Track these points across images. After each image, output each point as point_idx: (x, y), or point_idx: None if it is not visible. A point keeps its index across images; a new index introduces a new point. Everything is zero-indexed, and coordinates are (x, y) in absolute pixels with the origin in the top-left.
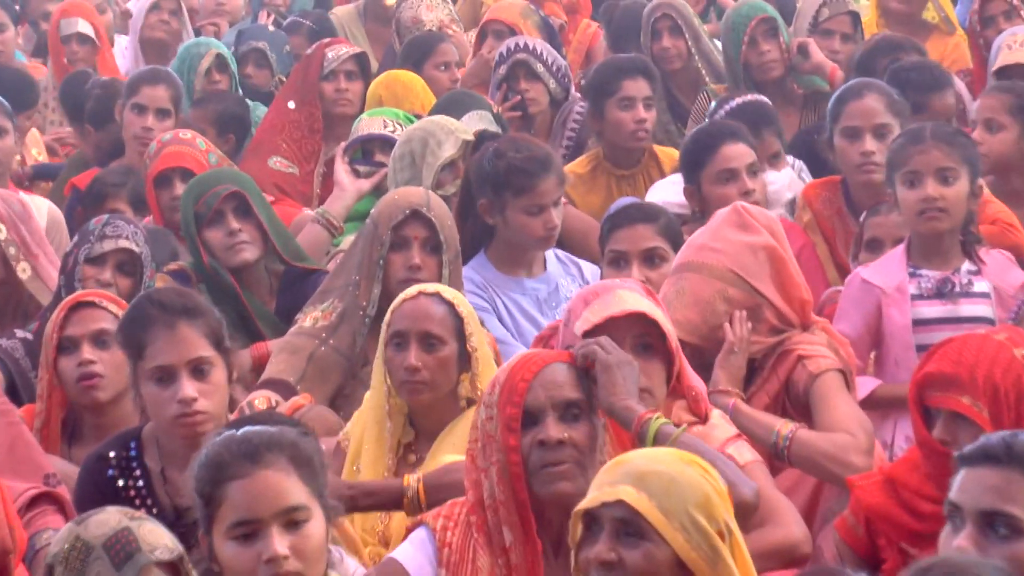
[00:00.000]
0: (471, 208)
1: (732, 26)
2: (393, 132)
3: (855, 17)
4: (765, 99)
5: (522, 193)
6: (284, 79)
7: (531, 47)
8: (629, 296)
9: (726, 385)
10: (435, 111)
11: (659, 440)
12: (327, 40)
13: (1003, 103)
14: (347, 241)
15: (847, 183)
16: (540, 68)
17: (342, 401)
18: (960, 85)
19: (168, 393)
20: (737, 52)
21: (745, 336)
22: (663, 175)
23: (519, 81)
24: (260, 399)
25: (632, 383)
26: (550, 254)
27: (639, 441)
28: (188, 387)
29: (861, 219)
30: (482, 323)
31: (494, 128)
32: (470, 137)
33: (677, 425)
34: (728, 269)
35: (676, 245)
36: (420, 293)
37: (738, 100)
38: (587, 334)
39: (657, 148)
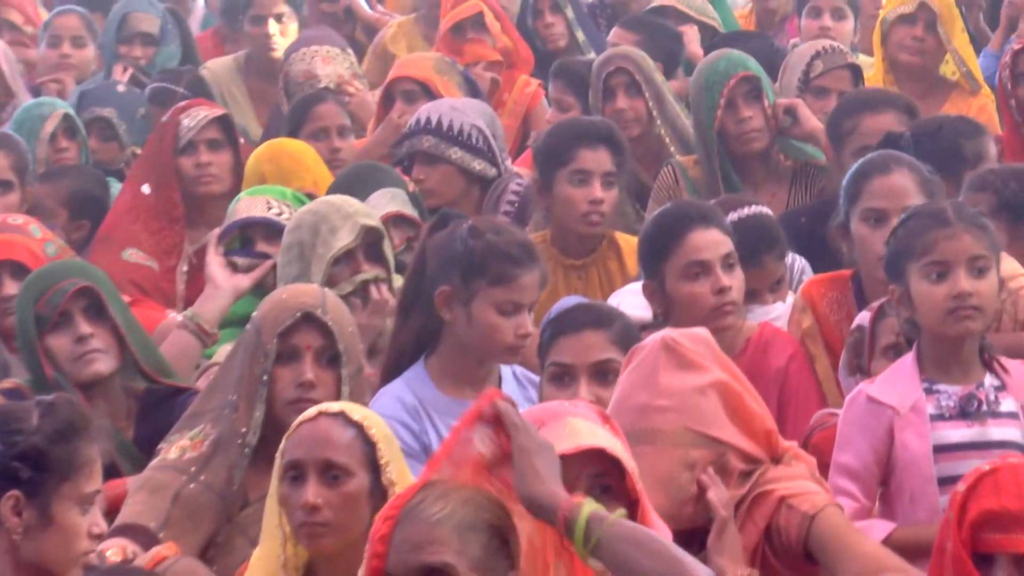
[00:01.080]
0: (417, 300)
1: (705, 85)
2: (279, 215)
3: (855, 72)
4: (766, 212)
5: (499, 283)
6: (137, 151)
7: (444, 125)
8: (583, 426)
9: (737, 570)
10: (334, 189)
11: (591, 527)
12: (182, 104)
13: (982, 204)
14: (222, 352)
15: (861, 279)
16: (453, 153)
17: (216, 551)
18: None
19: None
20: (711, 117)
21: (728, 499)
22: (624, 269)
23: (419, 167)
24: (113, 550)
25: (554, 471)
26: (506, 371)
27: (567, 532)
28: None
29: (856, 322)
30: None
31: (409, 210)
32: (374, 223)
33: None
34: (683, 428)
35: None
36: (320, 414)
37: (732, 216)
38: None
39: (619, 235)
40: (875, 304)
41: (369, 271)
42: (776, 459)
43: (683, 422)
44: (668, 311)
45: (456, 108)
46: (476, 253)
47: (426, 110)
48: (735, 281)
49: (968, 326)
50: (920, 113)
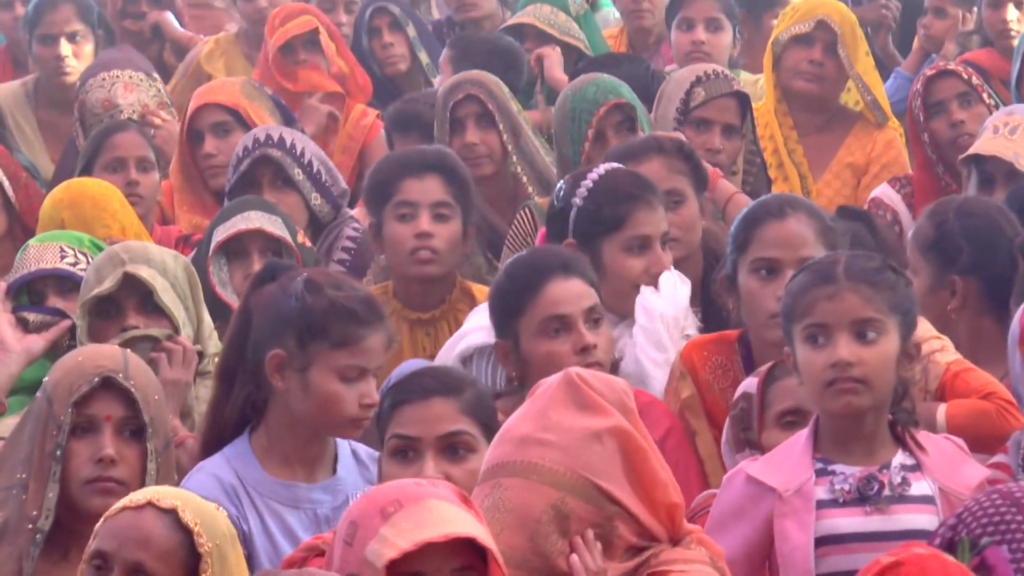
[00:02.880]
0: (241, 365)
1: (571, 114)
2: (75, 265)
3: (743, 101)
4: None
5: (342, 346)
6: None
7: (287, 143)
8: (448, 510)
9: None
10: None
11: None
12: None
13: (916, 239)
14: (7, 425)
15: (749, 341)
16: (298, 175)
17: None
18: (894, 199)
19: None
20: (577, 151)
21: (600, 570)
22: None
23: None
24: None
25: None
26: (344, 449)
27: None
28: None
29: (741, 389)
30: None
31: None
32: (144, 274)
33: None
34: (567, 470)
35: (489, 429)
36: (125, 508)
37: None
38: (394, 565)
39: (473, 285)
40: (763, 368)
41: (142, 325)
42: (676, 540)
43: (568, 463)
44: (524, 375)
45: (292, 129)
46: (314, 312)
47: (261, 129)
48: (600, 339)
49: (849, 402)
50: (697, 157)
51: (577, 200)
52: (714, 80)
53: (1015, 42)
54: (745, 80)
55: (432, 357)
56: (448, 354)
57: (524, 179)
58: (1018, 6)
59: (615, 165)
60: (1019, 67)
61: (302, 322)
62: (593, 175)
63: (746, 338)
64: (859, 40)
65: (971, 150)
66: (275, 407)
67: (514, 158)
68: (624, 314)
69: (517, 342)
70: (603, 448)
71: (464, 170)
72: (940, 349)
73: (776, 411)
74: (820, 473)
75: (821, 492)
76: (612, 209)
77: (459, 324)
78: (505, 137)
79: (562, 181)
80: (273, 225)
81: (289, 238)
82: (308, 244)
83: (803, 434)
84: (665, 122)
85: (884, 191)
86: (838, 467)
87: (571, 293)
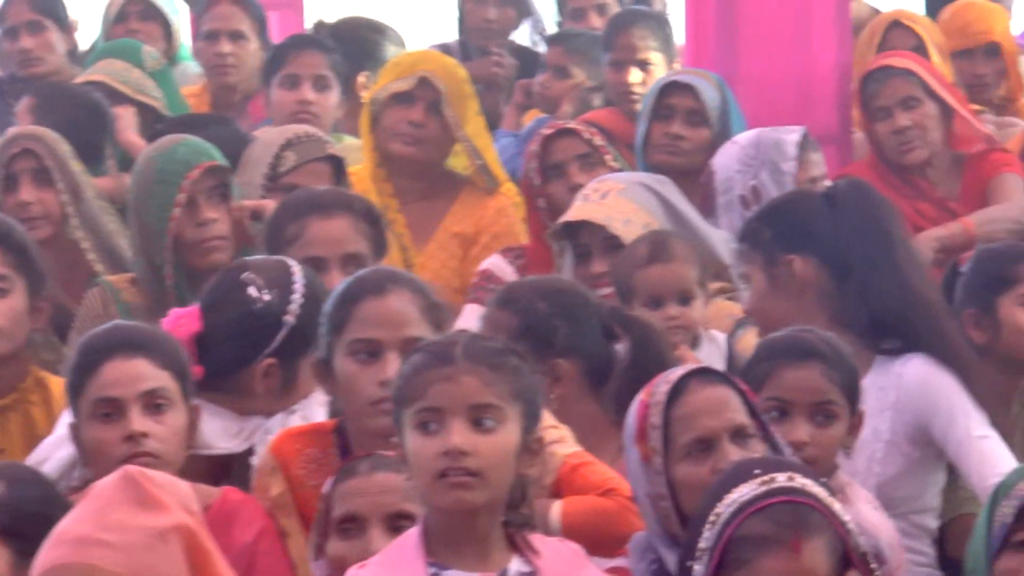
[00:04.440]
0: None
1: (159, 177)
2: None
3: (337, 166)
4: None
5: None
6: None
7: None
8: None
9: None
10: None
11: None
12: None
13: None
14: None
15: (347, 431)
16: None
17: None
18: (506, 272)
19: None
20: (164, 219)
21: None
22: (51, 415)
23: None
24: None
25: None
26: None
27: None
28: None
29: (327, 488)
30: None
31: None
32: None
33: None
34: (130, 572)
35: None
36: None
37: None
38: None
39: (49, 375)
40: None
41: None
42: None
43: (131, 565)
44: (86, 462)
45: None
46: None
47: None
48: (161, 428)
49: (460, 497)
50: (383, 223)
51: (290, 319)
52: (306, 143)
53: (638, 105)
54: (350, 145)
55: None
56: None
57: (86, 247)
58: (642, 68)
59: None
60: (644, 129)
61: None
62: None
63: (344, 428)
64: (467, 98)
65: (561, 219)
66: None
67: (74, 222)
68: None
69: (79, 427)
70: (167, 548)
71: (21, 235)
72: (558, 440)
73: (334, 516)
74: None
75: None
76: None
77: (28, 417)
78: (64, 198)
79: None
80: None
81: None
82: None
83: (412, 535)
84: (252, 188)
85: (495, 262)
86: (452, 573)
87: (126, 375)
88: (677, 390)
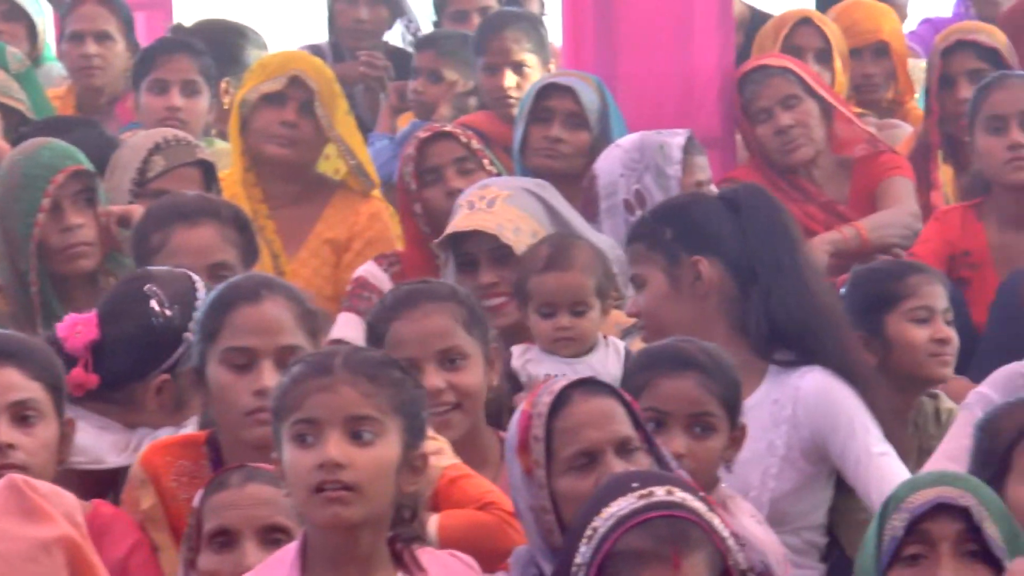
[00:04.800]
0: None
1: (23, 181)
2: None
3: (207, 170)
4: None
5: None
6: None
7: None
8: None
9: None
10: None
11: None
12: None
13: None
14: None
15: (219, 442)
16: None
17: None
18: (380, 279)
19: None
20: (29, 225)
21: None
22: None
23: None
24: None
25: None
26: None
27: None
28: None
29: (197, 500)
30: None
31: None
32: None
33: None
34: None
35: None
36: None
37: None
38: None
39: None
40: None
41: None
42: None
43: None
44: None
45: None
46: None
47: None
48: (29, 440)
49: (337, 512)
50: (253, 228)
51: (191, 336)
52: (175, 147)
53: (515, 109)
54: (221, 149)
55: None
56: None
57: None
58: (517, 71)
59: None
60: (522, 132)
61: None
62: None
63: (216, 439)
64: (338, 98)
65: (449, 229)
66: None
67: None
68: None
69: None
70: (50, 560)
71: None
72: (436, 452)
73: (206, 530)
74: None
75: None
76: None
77: None
78: None
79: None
80: None
81: None
82: None
83: (290, 551)
84: (120, 193)
85: (369, 270)
86: None
87: None
88: (560, 401)
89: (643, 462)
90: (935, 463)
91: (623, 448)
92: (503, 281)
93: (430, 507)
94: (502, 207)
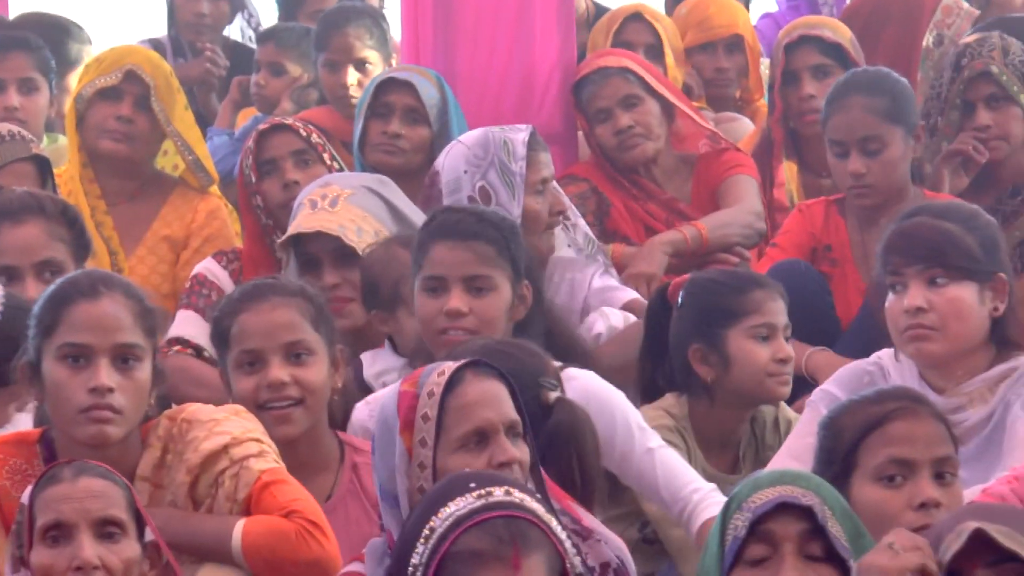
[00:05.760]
0: None
1: None
2: None
3: (42, 166)
4: None
5: None
6: None
7: None
8: None
9: None
10: None
11: None
12: None
13: None
14: None
15: (52, 439)
16: None
17: None
18: (220, 276)
19: None
20: None
21: None
22: None
23: None
24: None
25: None
26: None
27: None
28: None
29: (26, 496)
30: None
31: None
32: None
33: None
34: None
35: None
36: None
37: None
38: None
39: None
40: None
41: None
42: None
43: None
44: None
45: None
46: None
47: None
48: None
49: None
50: (83, 223)
51: None
52: (9, 143)
53: (355, 104)
54: (64, 145)
55: None
56: None
57: None
58: (359, 68)
59: None
60: (361, 128)
61: None
62: None
63: (49, 436)
64: (176, 93)
65: (292, 229)
66: None
67: None
68: None
69: None
70: None
71: None
72: (257, 454)
73: (39, 525)
74: None
75: None
76: None
77: None
78: None
79: None
80: None
81: None
82: None
83: None
84: None
85: (208, 266)
86: None
87: None
88: (453, 381)
89: (524, 449)
90: (779, 461)
91: (512, 431)
92: (346, 282)
93: (244, 509)
94: (345, 207)
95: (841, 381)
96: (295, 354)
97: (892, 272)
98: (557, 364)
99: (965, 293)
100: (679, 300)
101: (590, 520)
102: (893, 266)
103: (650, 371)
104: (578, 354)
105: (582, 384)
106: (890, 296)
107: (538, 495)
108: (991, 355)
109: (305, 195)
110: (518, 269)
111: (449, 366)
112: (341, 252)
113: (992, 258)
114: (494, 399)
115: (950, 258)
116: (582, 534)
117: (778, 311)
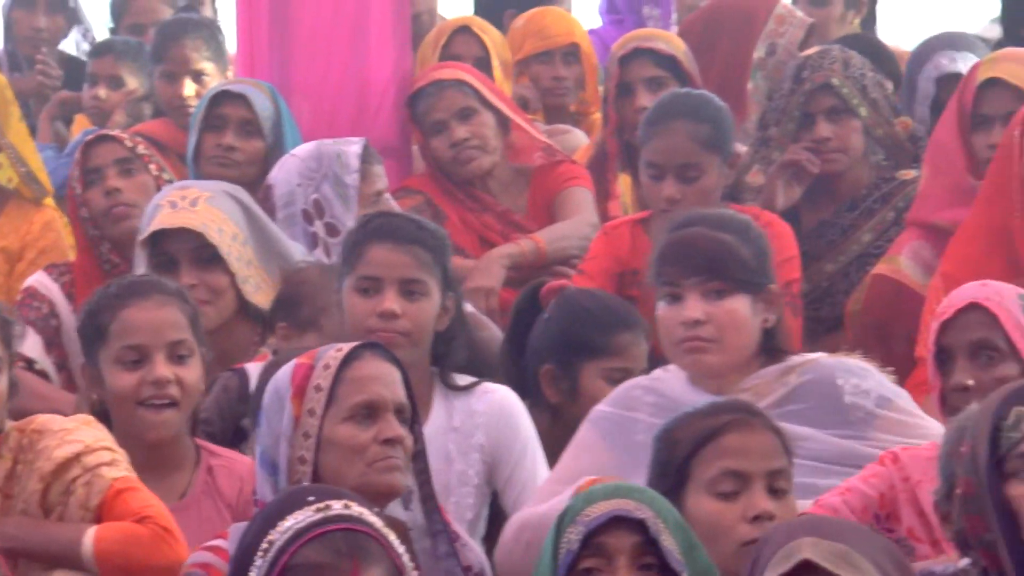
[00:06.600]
0: None
1: None
2: None
3: None
4: None
5: None
6: None
7: None
8: None
9: None
10: None
11: None
12: None
13: None
14: None
15: None
16: None
17: None
18: (51, 289)
19: None
20: None
21: None
22: None
23: None
24: None
25: None
26: None
27: None
28: None
29: None
30: None
31: None
32: None
33: None
34: None
35: None
36: None
37: None
38: None
39: None
40: None
41: None
42: None
43: None
44: None
45: None
46: None
47: None
48: None
49: None
50: None
51: None
52: None
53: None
54: None
55: None
56: None
57: None
58: (196, 79)
59: None
60: (195, 140)
61: None
62: None
63: None
64: (9, 105)
65: (151, 228)
66: None
67: None
68: None
69: None
70: None
71: None
72: (109, 463)
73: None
74: None
75: None
76: None
77: None
78: None
79: None
80: None
81: None
82: None
83: None
84: None
85: (39, 279)
86: None
87: None
88: (351, 356)
89: (410, 435)
90: (547, 488)
91: (400, 414)
92: (202, 284)
93: (96, 517)
94: (205, 207)
95: (615, 399)
96: (179, 354)
97: (667, 283)
98: (474, 379)
99: (741, 305)
100: (547, 311)
101: (458, 526)
102: (668, 276)
103: (512, 362)
104: (493, 368)
105: (498, 398)
106: (662, 306)
107: (376, 509)
108: (760, 365)
109: (162, 197)
110: (447, 280)
111: (348, 345)
112: (199, 253)
113: (764, 270)
114: (388, 378)
115: (729, 270)
116: (452, 537)
117: (640, 356)
